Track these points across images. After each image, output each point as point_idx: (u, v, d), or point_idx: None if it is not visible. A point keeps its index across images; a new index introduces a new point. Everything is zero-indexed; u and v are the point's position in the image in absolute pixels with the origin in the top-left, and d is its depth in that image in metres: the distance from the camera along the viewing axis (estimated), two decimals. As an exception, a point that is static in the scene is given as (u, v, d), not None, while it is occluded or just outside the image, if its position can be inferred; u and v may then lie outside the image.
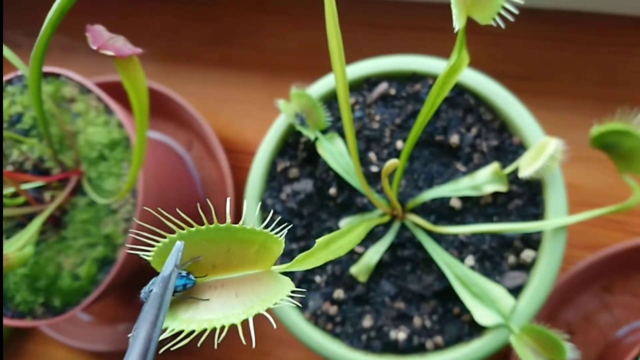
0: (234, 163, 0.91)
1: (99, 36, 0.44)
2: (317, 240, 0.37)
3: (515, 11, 0.41)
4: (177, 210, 0.31)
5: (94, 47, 0.43)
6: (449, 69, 0.47)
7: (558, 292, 0.76)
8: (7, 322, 0.69)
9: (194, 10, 1.02)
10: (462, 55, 0.47)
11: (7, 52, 0.61)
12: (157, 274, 0.33)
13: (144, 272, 0.82)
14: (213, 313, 0.31)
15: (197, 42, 1.01)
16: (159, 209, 0.32)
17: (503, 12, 0.42)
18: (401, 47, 0.84)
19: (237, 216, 0.87)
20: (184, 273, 0.32)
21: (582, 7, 0.84)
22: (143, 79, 0.50)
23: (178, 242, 0.32)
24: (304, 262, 0.35)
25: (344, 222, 0.63)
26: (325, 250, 0.38)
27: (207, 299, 0.31)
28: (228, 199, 0.32)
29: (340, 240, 0.40)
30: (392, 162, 0.49)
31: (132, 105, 0.52)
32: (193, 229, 0.31)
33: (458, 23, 0.43)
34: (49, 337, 0.93)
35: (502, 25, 0.42)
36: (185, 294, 0.32)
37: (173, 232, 0.32)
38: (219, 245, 0.32)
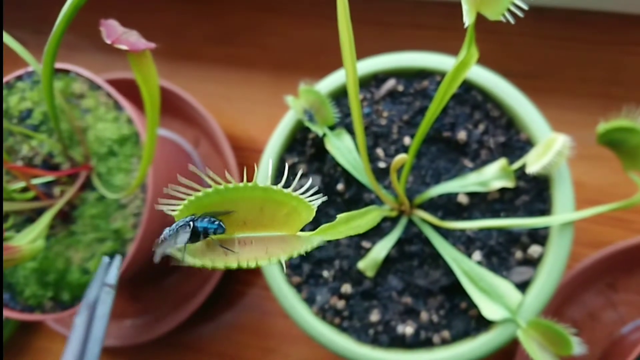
0: (239, 160, 0.91)
1: (113, 30, 0.45)
2: (338, 216, 0.38)
3: (525, 7, 0.42)
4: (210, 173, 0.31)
5: (108, 41, 0.44)
6: (458, 65, 0.48)
7: (563, 290, 0.76)
8: (16, 315, 0.70)
9: (199, 8, 1.03)
10: (471, 51, 0.47)
11: (18, 48, 0.62)
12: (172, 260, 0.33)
13: (151, 267, 0.83)
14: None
15: (202, 41, 1.02)
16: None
17: (512, 8, 0.43)
18: (406, 45, 0.85)
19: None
20: (214, 220, 0.32)
21: (587, 5, 0.84)
22: (155, 73, 0.50)
23: (105, 258, 0.32)
24: (327, 232, 0.36)
25: (352, 218, 0.64)
26: (346, 225, 0.39)
27: (237, 252, 0.32)
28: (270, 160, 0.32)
29: (360, 220, 0.42)
30: (401, 157, 0.49)
31: (144, 100, 0.53)
32: (231, 185, 0.31)
33: (468, 19, 0.43)
34: (56, 332, 0.94)
35: (512, 20, 0.43)
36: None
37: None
38: (253, 203, 0.32)
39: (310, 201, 0.33)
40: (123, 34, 0.45)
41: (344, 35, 0.45)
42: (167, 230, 0.32)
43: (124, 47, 0.44)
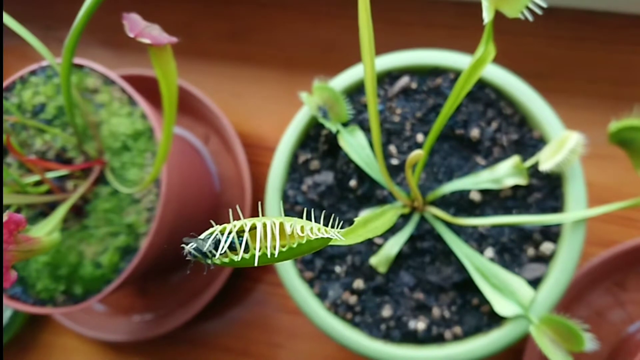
0: (248, 157, 0.92)
1: (136, 24, 0.45)
2: (356, 219, 0.38)
3: (544, 4, 0.43)
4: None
5: (131, 35, 0.44)
6: (476, 62, 0.48)
7: (571, 288, 0.77)
8: (28, 308, 0.70)
9: (211, 7, 1.03)
10: (489, 47, 0.48)
11: (35, 43, 0.62)
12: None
13: (162, 263, 0.83)
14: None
15: (213, 38, 1.02)
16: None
17: (531, 6, 0.43)
18: (417, 43, 0.85)
19: (253, 209, 0.88)
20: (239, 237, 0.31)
21: (597, 6, 0.85)
22: (175, 69, 0.51)
23: None
24: (346, 237, 0.36)
25: (364, 214, 0.64)
26: (364, 228, 0.40)
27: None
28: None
29: (377, 221, 0.42)
30: (417, 153, 0.50)
31: (162, 95, 0.53)
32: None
33: (487, 15, 0.44)
34: (64, 327, 0.94)
35: (530, 18, 0.44)
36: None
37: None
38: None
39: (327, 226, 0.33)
40: (145, 28, 0.45)
41: (364, 31, 0.46)
42: (188, 247, 0.32)
43: (146, 40, 0.44)
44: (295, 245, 0.31)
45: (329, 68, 0.86)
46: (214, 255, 0.30)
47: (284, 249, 0.30)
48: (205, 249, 0.30)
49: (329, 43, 0.97)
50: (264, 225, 0.30)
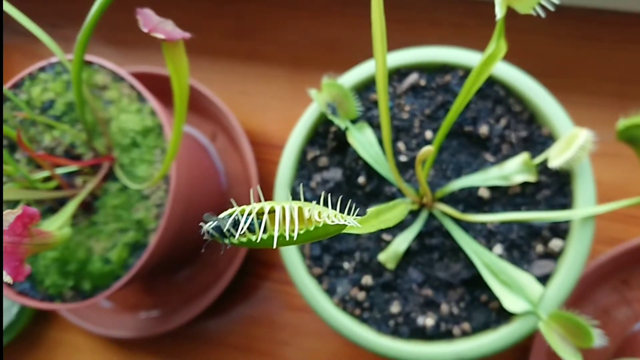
0: (255, 155, 0.92)
1: (150, 19, 0.45)
2: (368, 210, 0.39)
3: (557, 1, 0.43)
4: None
5: (145, 30, 0.44)
6: (487, 58, 0.49)
7: (578, 286, 0.77)
8: (36, 304, 0.70)
9: (218, 5, 1.03)
10: (500, 44, 0.48)
11: (46, 39, 0.63)
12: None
13: (170, 259, 0.83)
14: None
15: (221, 37, 1.03)
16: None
17: (543, 2, 0.43)
18: (423, 42, 0.85)
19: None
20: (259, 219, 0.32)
21: (605, 5, 0.85)
22: (186, 64, 0.51)
23: None
24: (361, 226, 0.37)
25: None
26: (376, 219, 0.40)
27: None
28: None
29: (388, 213, 0.42)
30: (427, 149, 0.50)
31: (174, 90, 0.53)
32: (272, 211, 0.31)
33: (500, 11, 0.44)
34: (70, 323, 0.94)
35: (542, 14, 0.44)
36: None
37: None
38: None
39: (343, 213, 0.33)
40: (159, 23, 0.45)
41: (376, 28, 0.46)
42: (205, 227, 0.32)
43: (160, 36, 0.45)
44: (312, 229, 0.31)
45: (335, 66, 0.86)
46: (233, 235, 0.30)
47: (301, 232, 0.31)
48: (225, 228, 0.30)
49: (334, 41, 0.97)
50: (283, 209, 0.30)
